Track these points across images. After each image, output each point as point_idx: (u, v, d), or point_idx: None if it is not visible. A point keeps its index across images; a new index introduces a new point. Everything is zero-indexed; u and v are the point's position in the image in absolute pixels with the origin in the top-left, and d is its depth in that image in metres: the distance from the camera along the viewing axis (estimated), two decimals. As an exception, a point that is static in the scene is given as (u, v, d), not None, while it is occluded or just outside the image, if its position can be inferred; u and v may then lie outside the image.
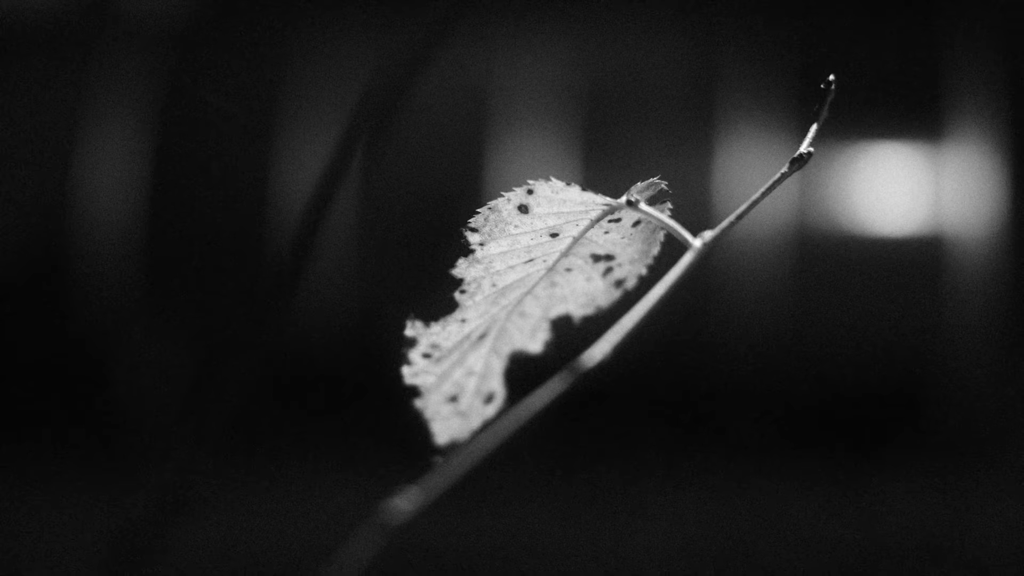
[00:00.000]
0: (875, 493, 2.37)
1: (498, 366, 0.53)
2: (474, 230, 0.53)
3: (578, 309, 0.54)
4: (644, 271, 0.55)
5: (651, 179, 0.55)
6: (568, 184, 0.54)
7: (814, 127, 0.57)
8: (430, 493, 0.52)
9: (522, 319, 0.53)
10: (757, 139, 2.56)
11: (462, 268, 0.53)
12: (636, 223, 0.54)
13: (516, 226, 0.53)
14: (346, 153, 0.69)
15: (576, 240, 0.54)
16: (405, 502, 0.52)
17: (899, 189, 2.56)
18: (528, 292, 0.53)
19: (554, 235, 0.54)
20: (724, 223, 0.55)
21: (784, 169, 0.56)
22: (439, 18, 0.71)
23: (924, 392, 2.59)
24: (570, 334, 0.55)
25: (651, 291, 0.52)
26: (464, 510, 2.15)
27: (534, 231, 0.53)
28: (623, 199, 0.54)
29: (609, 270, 0.54)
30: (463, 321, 0.52)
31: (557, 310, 0.54)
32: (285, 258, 0.69)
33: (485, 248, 0.53)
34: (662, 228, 0.55)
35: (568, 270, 0.54)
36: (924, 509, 2.29)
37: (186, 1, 2.67)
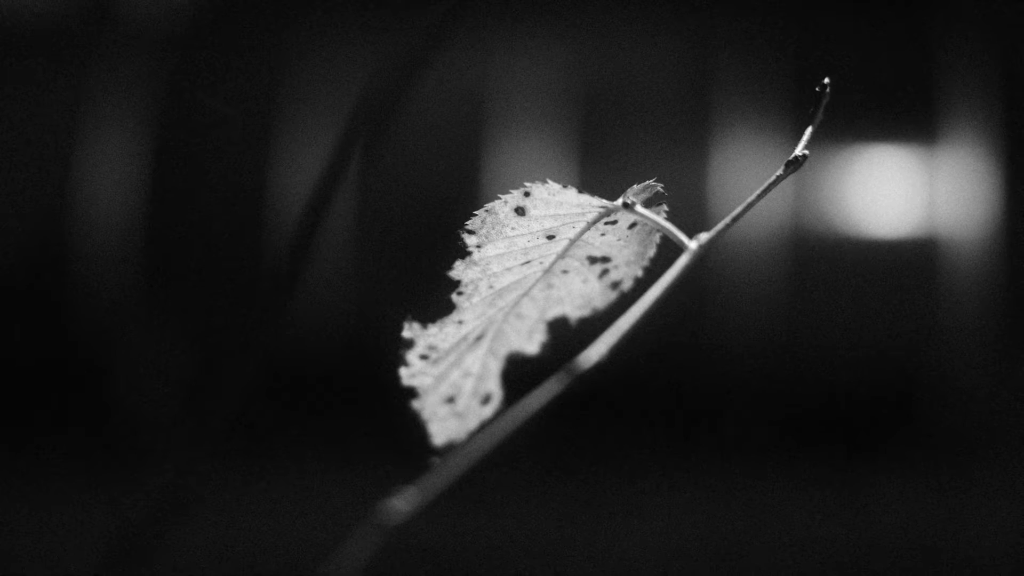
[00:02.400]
0: (870, 493, 2.37)
1: (495, 367, 0.53)
2: (471, 232, 0.54)
3: (574, 311, 0.54)
4: (640, 273, 0.55)
5: (647, 181, 0.55)
6: (565, 186, 0.55)
7: (809, 130, 0.58)
8: (427, 494, 0.52)
9: (519, 321, 0.54)
10: (752, 142, 2.57)
11: (459, 270, 0.53)
12: (632, 225, 0.55)
13: (513, 228, 0.54)
14: (344, 156, 0.69)
15: (572, 242, 0.54)
16: (403, 503, 0.52)
17: (894, 191, 2.57)
18: (525, 294, 0.54)
19: (551, 237, 0.54)
20: (720, 225, 0.55)
21: (779, 171, 0.57)
22: (436, 22, 0.72)
23: (919, 393, 2.60)
24: (567, 336, 0.55)
25: (647, 293, 0.53)
26: (461, 511, 2.16)
27: (531, 233, 0.54)
28: (619, 201, 0.55)
29: (605, 272, 0.55)
30: (460, 323, 0.53)
31: (554, 312, 0.54)
32: (283, 260, 0.70)
33: (482, 250, 0.53)
34: (658, 230, 0.55)
35: (565, 272, 0.54)
36: (919, 509, 2.29)
37: (185, 5, 2.68)
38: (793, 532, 2.19)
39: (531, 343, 0.53)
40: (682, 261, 0.54)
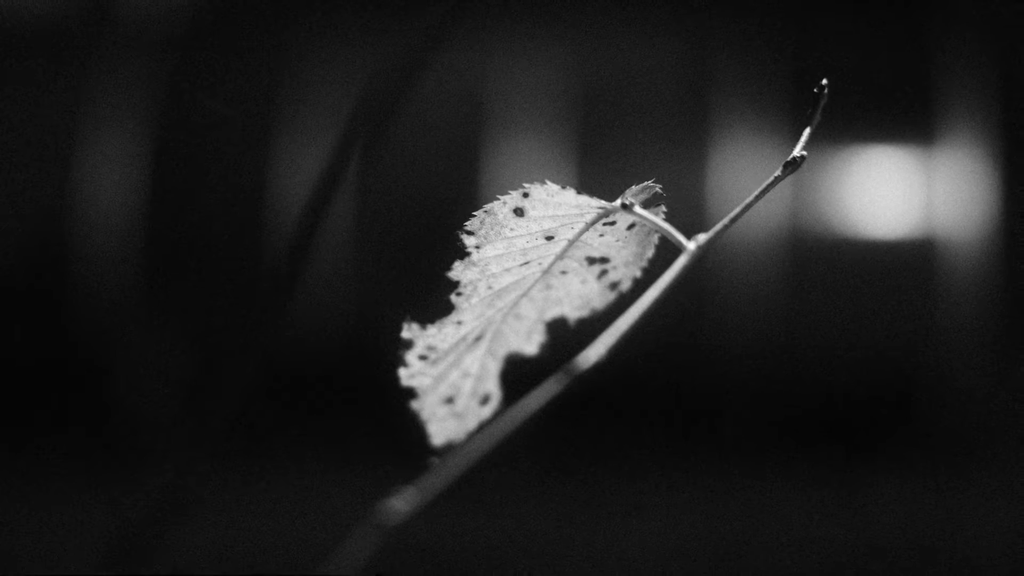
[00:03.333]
0: (868, 493, 2.37)
1: (494, 368, 0.53)
2: (470, 233, 0.54)
3: (573, 311, 0.54)
4: (639, 273, 0.55)
5: (646, 183, 0.55)
6: (563, 187, 0.55)
7: (807, 131, 0.58)
8: (426, 494, 0.52)
9: (518, 321, 0.54)
10: (751, 143, 2.57)
11: (458, 271, 0.53)
12: (631, 226, 0.55)
13: (512, 229, 0.54)
14: (343, 156, 0.69)
15: (571, 243, 0.55)
16: (402, 503, 0.52)
17: (892, 192, 2.57)
18: (524, 294, 0.54)
19: (549, 238, 0.54)
20: (718, 226, 0.55)
21: (777, 172, 0.57)
22: (436, 23, 0.72)
23: (917, 393, 2.60)
24: (566, 337, 0.56)
25: (645, 293, 0.53)
26: (461, 510, 2.16)
27: (530, 234, 0.54)
28: (618, 202, 0.55)
29: (604, 272, 0.55)
30: (459, 323, 0.53)
31: (552, 312, 0.54)
32: (283, 260, 0.70)
33: (481, 251, 0.54)
34: (656, 231, 0.55)
35: (563, 272, 0.55)
36: (916, 509, 2.30)
37: (185, 4, 2.68)
38: (791, 532, 2.19)
39: (530, 344, 0.53)
40: (680, 262, 0.54)
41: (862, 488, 2.40)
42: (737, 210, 0.56)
